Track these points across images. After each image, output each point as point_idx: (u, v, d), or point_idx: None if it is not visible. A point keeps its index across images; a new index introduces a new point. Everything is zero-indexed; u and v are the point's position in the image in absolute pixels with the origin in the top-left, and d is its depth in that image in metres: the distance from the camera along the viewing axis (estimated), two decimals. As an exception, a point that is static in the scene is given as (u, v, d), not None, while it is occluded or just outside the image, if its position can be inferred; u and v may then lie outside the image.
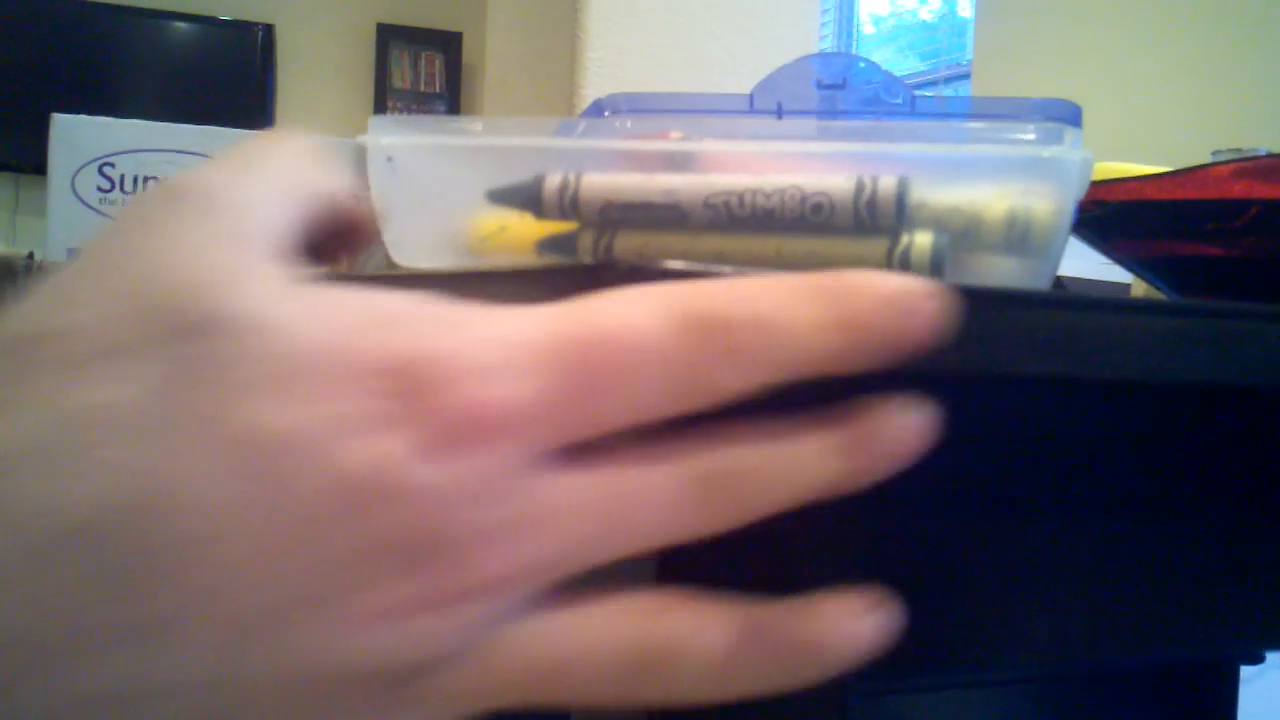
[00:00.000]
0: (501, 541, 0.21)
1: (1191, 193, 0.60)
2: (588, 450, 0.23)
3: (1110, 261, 0.68)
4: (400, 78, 5.70)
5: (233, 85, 5.33)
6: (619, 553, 0.23)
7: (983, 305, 0.25)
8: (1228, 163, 0.60)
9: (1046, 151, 0.34)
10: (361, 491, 0.21)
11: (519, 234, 0.39)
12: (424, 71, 5.73)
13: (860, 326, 0.23)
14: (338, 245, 0.31)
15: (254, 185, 0.25)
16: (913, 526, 0.28)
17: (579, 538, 0.22)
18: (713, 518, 0.23)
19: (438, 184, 0.40)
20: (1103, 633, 0.30)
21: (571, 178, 0.37)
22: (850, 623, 0.23)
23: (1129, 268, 0.68)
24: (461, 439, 0.21)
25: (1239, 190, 0.60)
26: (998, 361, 0.26)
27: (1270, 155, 0.62)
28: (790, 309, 0.23)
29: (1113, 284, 0.95)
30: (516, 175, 0.38)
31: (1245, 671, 0.73)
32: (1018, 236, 0.34)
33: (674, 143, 0.39)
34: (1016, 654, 0.30)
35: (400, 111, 5.62)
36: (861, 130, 0.36)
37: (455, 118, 0.40)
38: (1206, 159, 1.14)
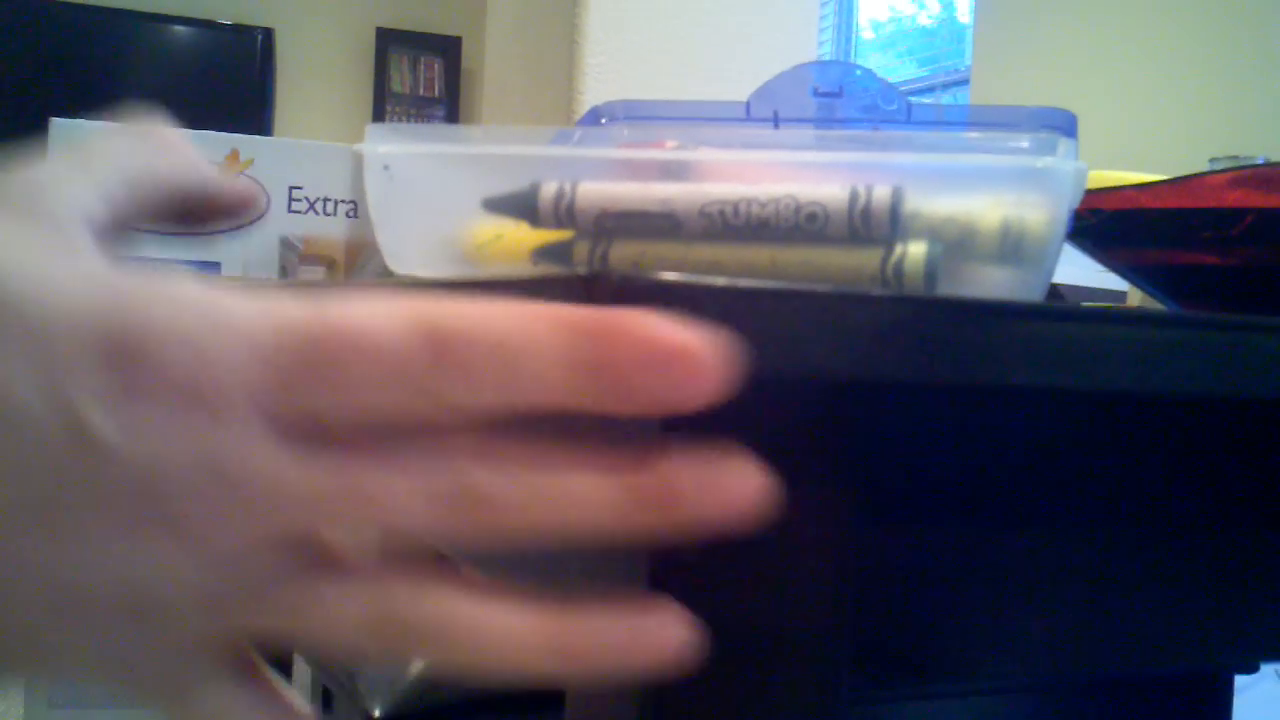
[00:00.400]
0: (222, 504, 0.23)
1: (1187, 201, 0.60)
2: (346, 441, 0.23)
3: (1106, 269, 0.68)
4: (399, 82, 5.71)
5: (232, 89, 5.33)
6: (364, 532, 0.24)
7: (977, 318, 0.25)
8: (1223, 171, 0.61)
9: (1040, 162, 0.34)
10: (73, 444, 0.22)
11: (515, 242, 0.39)
12: (423, 76, 5.74)
13: (611, 374, 0.22)
14: (212, 214, 0.33)
15: (72, 179, 0.28)
16: (908, 535, 0.28)
17: (303, 507, 0.23)
18: (461, 532, 0.24)
19: (434, 192, 0.40)
20: (1098, 644, 0.30)
21: (567, 186, 0.38)
22: (658, 631, 0.23)
23: (1125, 276, 0.68)
24: (170, 405, 0.23)
25: (1234, 199, 0.60)
26: (993, 373, 0.26)
27: (1266, 164, 0.63)
28: (536, 341, 0.23)
29: (1109, 291, 0.95)
30: (512, 184, 0.38)
31: (1239, 680, 0.73)
32: (1011, 247, 0.34)
33: (669, 152, 0.39)
34: (1012, 663, 0.30)
35: (399, 115, 5.63)
36: (856, 140, 0.36)
37: (452, 126, 0.40)
38: (1204, 163, 1.15)
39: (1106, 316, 0.26)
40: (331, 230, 1.74)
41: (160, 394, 0.23)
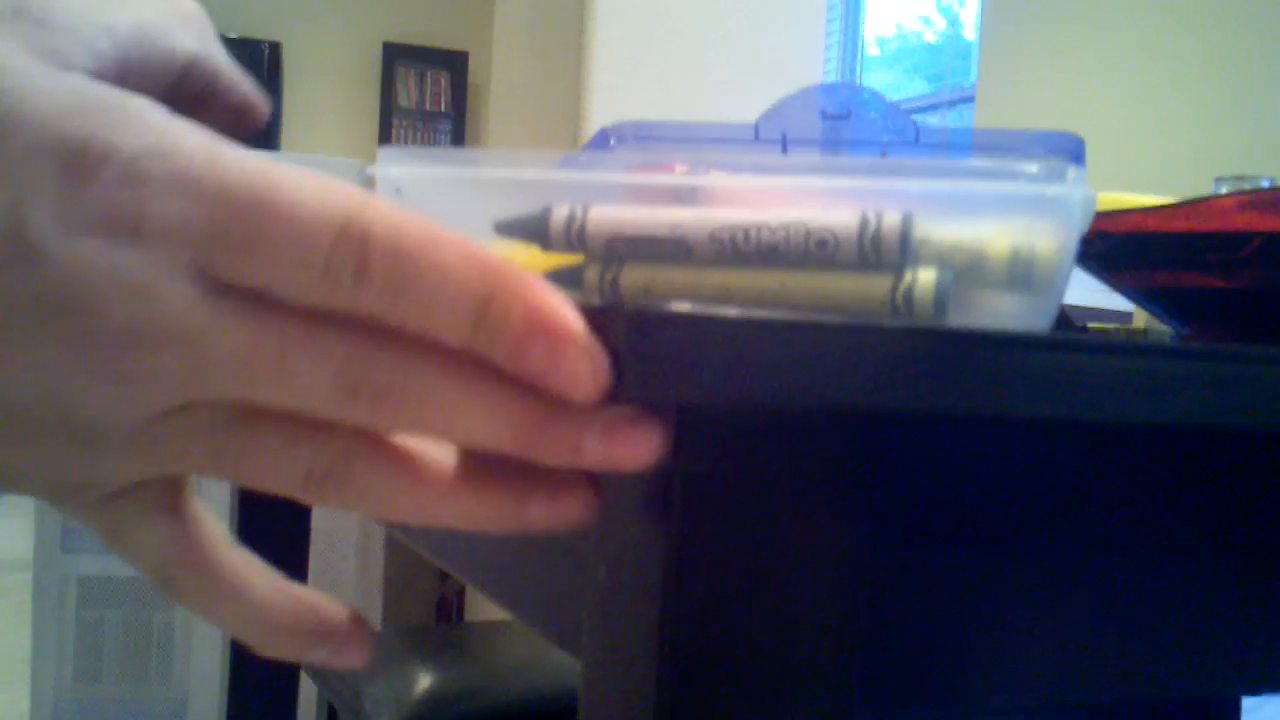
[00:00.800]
0: (142, 336, 0.23)
1: (1194, 224, 0.61)
2: (270, 310, 0.24)
3: (1113, 291, 0.68)
4: (406, 96, 5.73)
5: (239, 102, 5.33)
6: (262, 395, 0.24)
7: (987, 348, 0.25)
8: (1230, 195, 0.61)
9: (1050, 190, 0.34)
10: (7, 245, 0.23)
11: (526, 266, 0.39)
12: (430, 90, 5.76)
13: (503, 328, 0.24)
14: (213, 109, 0.34)
15: (90, 10, 0.28)
16: (918, 564, 0.29)
17: (222, 363, 0.24)
18: (356, 411, 0.24)
19: (445, 215, 0.40)
20: (1107, 670, 0.31)
21: (578, 211, 0.38)
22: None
23: (1132, 298, 0.68)
24: (109, 228, 0.23)
25: (1241, 222, 0.60)
26: (1003, 404, 0.26)
27: (1273, 188, 0.63)
28: (446, 274, 0.24)
29: (1114, 312, 0.95)
30: (524, 207, 0.39)
31: (1248, 701, 0.73)
32: (1021, 273, 0.34)
33: (680, 177, 0.39)
34: (1022, 691, 0.30)
35: (406, 130, 5.64)
36: (866, 166, 0.36)
37: (463, 149, 0.40)
38: (1209, 183, 1.15)
39: (1115, 348, 0.26)
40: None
41: (103, 213, 0.23)
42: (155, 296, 0.23)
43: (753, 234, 0.36)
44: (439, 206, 0.41)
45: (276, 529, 0.92)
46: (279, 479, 0.26)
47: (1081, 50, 3.32)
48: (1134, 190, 0.76)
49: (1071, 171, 0.34)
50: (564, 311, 0.24)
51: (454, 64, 5.74)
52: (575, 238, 0.38)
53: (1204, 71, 2.93)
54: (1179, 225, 0.60)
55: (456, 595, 2.30)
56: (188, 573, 0.28)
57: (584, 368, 0.24)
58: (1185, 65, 2.99)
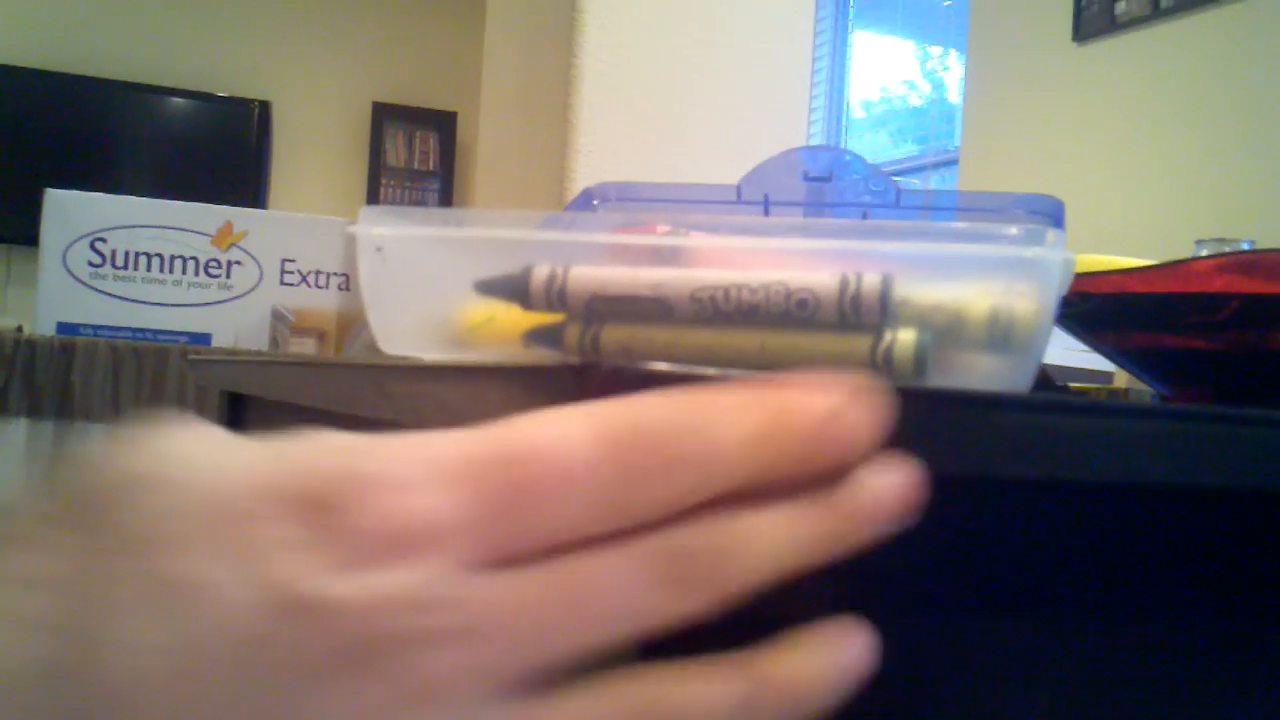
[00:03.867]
0: (445, 645, 0.22)
1: (1174, 286, 0.61)
2: (545, 557, 0.23)
3: (1093, 351, 0.68)
4: (395, 155, 5.76)
5: (228, 161, 5.37)
6: (589, 641, 0.23)
7: (967, 409, 0.25)
8: (1210, 257, 0.61)
9: (1029, 252, 0.34)
10: (280, 611, 0.22)
11: (506, 324, 0.39)
12: (418, 149, 5.79)
13: (791, 447, 0.24)
14: None
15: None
16: (894, 628, 0.28)
17: (533, 633, 0.23)
18: (683, 599, 0.24)
19: (427, 274, 0.41)
20: (1087, 736, 0.30)
21: (559, 270, 0.38)
22: (837, 654, 0.24)
23: (1112, 358, 0.68)
24: (379, 553, 0.22)
25: (1220, 284, 0.60)
26: (979, 464, 0.26)
27: (1252, 250, 0.63)
28: (718, 436, 0.23)
29: (1093, 372, 0.95)
30: (505, 266, 0.39)
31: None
32: (1000, 335, 0.34)
33: (661, 237, 0.40)
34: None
35: (394, 189, 5.67)
36: (846, 228, 0.37)
37: (445, 210, 0.40)
38: (1190, 246, 1.16)
39: (1094, 409, 0.26)
40: (323, 302, 1.74)
41: (360, 543, 0.22)
42: (440, 600, 0.22)
43: (733, 293, 0.36)
44: (421, 266, 0.41)
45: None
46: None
47: (1063, 114, 3.37)
48: (1115, 252, 0.77)
49: (1051, 234, 0.34)
50: (819, 394, 0.24)
51: (442, 124, 5.79)
52: (556, 297, 0.38)
53: (1184, 135, 2.97)
54: (1159, 287, 0.61)
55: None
56: None
57: (864, 419, 0.24)
58: (1166, 129, 3.03)
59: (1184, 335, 0.63)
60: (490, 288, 0.39)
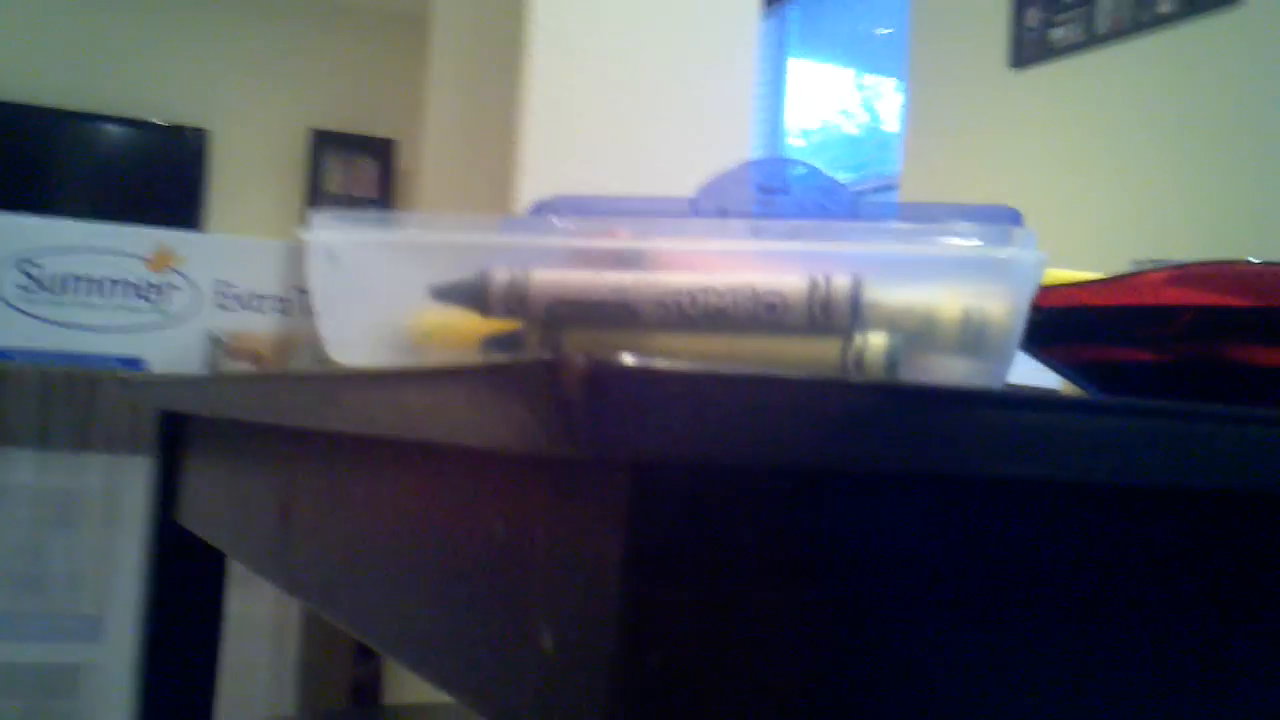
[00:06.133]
0: None
1: (1126, 299, 0.61)
2: None
3: (1043, 366, 0.68)
4: (334, 182, 5.71)
5: (166, 189, 5.30)
6: None
7: (949, 405, 0.24)
8: (1162, 270, 0.61)
9: (1002, 252, 0.33)
10: None
11: (463, 332, 0.38)
12: (357, 176, 5.75)
13: None
14: None
15: None
16: (885, 635, 0.27)
17: None
18: None
19: (380, 280, 0.39)
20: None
21: (519, 275, 0.37)
22: None
23: (1062, 373, 0.68)
24: None
25: (1172, 297, 0.61)
26: (960, 463, 0.25)
27: (1202, 263, 0.64)
28: None
29: (1040, 389, 0.95)
30: (461, 272, 0.37)
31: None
32: (973, 337, 0.34)
33: (624, 241, 0.39)
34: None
35: (333, 216, 5.61)
36: (813, 230, 0.36)
37: (398, 214, 0.39)
38: (1126, 266, 1.16)
39: (1081, 406, 0.26)
40: (261, 325, 1.71)
41: None
42: None
43: (700, 297, 0.35)
44: (373, 272, 0.39)
45: (189, 608, 0.88)
46: None
47: (1001, 139, 3.41)
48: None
49: (1017, 234, 0.34)
50: None
51: (381, 151, 5.75)
52: (515, 302, 0.37)
53: (1120, 158, 3.02)
54: (1111, 299, 0.61)
55: (373, 678, 2.23)
56: None
57: None
58: (1102, 153, 3.08)
59: (1135, 347, 0.63)
60: (447, 294, 0.38)
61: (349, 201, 5.69)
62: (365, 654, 2.22)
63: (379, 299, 0.39)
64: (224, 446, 0.69)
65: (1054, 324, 0.62)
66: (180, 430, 0.83)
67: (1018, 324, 0.34)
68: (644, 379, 0.22)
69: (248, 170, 5.61)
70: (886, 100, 4.50)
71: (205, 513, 0.73)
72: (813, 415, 0.23)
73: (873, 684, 0.26)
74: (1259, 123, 2.65)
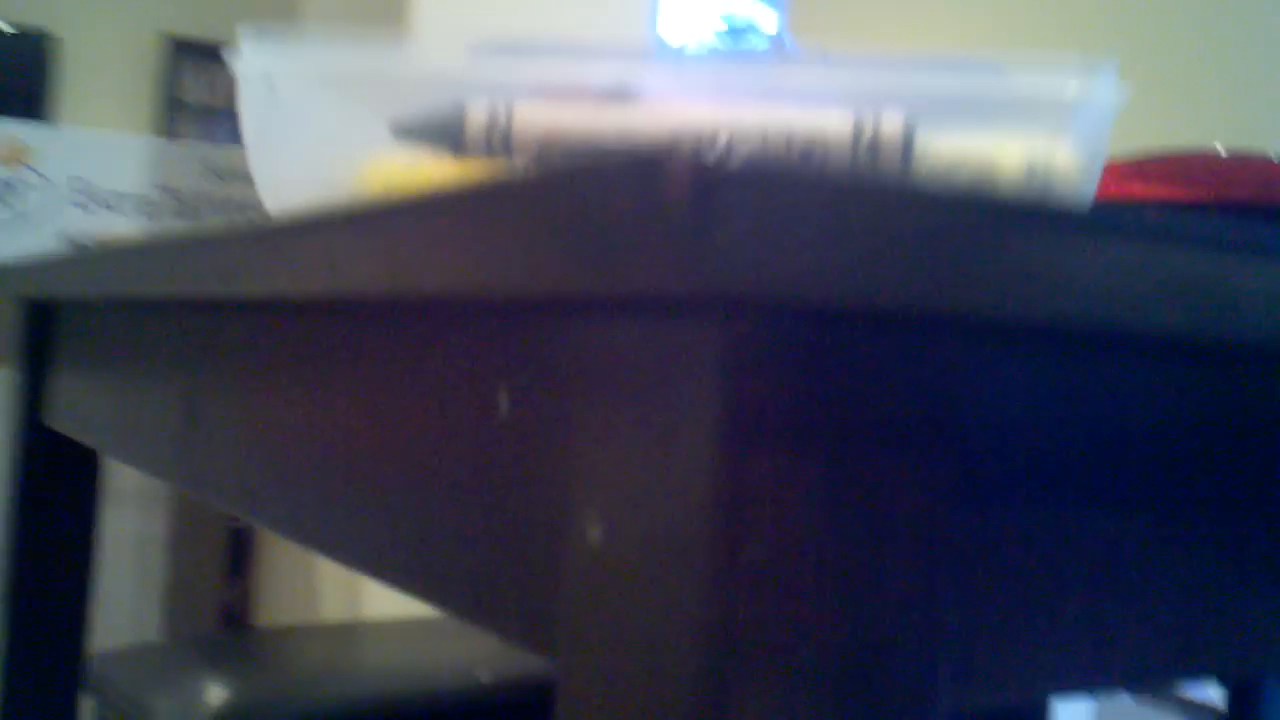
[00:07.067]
0: None
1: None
2: None
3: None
4: (188, 91, 5.44)
5: (11, 96, 4.98)
6: None
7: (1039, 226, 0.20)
8: (1127, 161, 0.58)
9: (1069, 90, 0.29)
10: None
11: (428, 179, 0.32)
12: (215, 86, 5.48)
13: None
14: None
15: None
16: (1005, 516, 0.23)
17: None
18: None
19: (328, 117, 0.33)
20: (1195, 641, 0.26)
21: (501, 109, 0.31)
22: None
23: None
24: None
25: (1138, 190, 0.58)
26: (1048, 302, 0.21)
27: (1171, 155, 0.61)
28: None
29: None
30: (429, 106, 0.32)
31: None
32: (1036, 192, 0.29)
33: (625, 67, 0.33)
34: (1113, 665, 0.25)
35: (188, 127, 5.36)
36: (852, 61, 0.31)
37: (350, 41, 0.32)
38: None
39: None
40: (123, 227, 1.60)
41: None
42: None
43: (722, 140, 0.30)
44: (319, 107, 0.33)
45: (58, 532, 0.80)
46: None
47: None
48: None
49: (1094, 72, 0.29)
50: None
51: (243, 59, 5.50)
52: (498, 141, 0.31)
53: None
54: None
55: (242, 600, 2.15)
56: None
57: None
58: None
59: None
60: (414, 132, 0.32)
61: (206, 111, 5.43)
62: (234, 575, 2.12)
63: (326, 139, 0.33)
64: (105, 339, 0.62)
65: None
66: (47, 324, 0.74)
67: (1090, 179, 0.29)
68: (774, 187, 0.17)
69: (98, 78, 5.30)
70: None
71: (83, 415, 0.66)
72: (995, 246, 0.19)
73: (1002, 576, 0.22)
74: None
